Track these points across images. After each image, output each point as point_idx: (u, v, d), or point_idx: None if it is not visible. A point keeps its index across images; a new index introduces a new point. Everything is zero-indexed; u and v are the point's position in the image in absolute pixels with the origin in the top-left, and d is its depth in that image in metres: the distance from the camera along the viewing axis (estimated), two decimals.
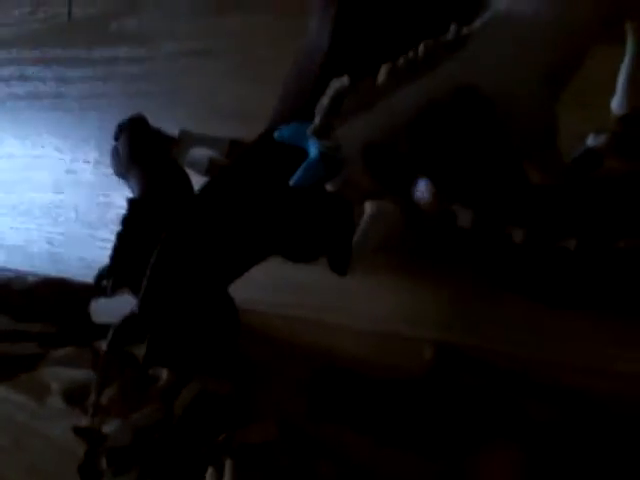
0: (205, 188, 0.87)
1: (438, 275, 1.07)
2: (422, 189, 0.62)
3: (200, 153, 1.30)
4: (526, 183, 0.69)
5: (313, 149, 0.66)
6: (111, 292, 1.00)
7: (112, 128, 1.23)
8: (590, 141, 0.92)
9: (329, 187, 0.68)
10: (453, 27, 0.68)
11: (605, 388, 0.90)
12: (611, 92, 0.92)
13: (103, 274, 1.01)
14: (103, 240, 1.13)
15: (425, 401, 0.88)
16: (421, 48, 0.66)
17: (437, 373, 0.97)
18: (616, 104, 0.92)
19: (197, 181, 1.30)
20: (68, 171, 1.58)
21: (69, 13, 1.61)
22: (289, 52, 0.93)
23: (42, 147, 1.64)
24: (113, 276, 1.00)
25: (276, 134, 0.69)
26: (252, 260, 0.89)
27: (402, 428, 0.89)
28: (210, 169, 1.33)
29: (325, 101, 0.65)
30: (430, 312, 1.04)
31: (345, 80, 0.65)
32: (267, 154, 0.81)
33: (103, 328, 1.26)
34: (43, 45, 1.66)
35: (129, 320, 0.95)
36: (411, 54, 0.66)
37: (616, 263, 0.76)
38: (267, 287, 1.18)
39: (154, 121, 1.38)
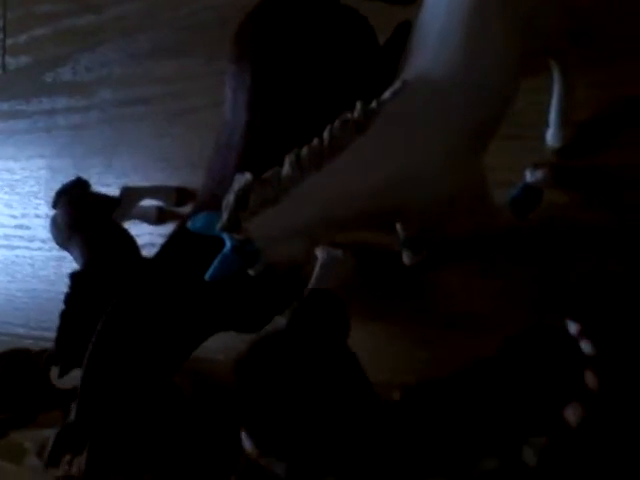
0: (142, 272, 0.85)
1: (397, 316, 1.06)
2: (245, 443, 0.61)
3: (148, 204, 1.28)
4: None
5: (227, 241, 0.64)
6: (61, 375, 0.98)
7: (60, 179, 1.20)
8: (528, 177, 0.91)
9: (251, 273, 0.66)
10: (359, 104, 0.66)
11: None
12: (540, 123, 0.91)
13: (51, 359, 0.99)
14: (61, 293, 1.10)
15: (392, 443, 0.86)
16: (325, 133, 0.65)
17: (405, 415, 0.95)
18: (551, 137, 0.91)
19: (150, 231, 1.30)
20: (20, 227, 1.55)
21: (3, 65, 1.57)
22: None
23: None
24: (61, 360, 0.97)
25: (189, 224, 0.68)
26: (197, 341, 0.87)
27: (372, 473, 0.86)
28: (159, 218, 1.31)
29: (231, 197, 0.63)
30: (397, 355, 1.03)
31: (248, 176, 0.64)
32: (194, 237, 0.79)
33: (69, 392, 1.24)
34: None
35: (67, 429, 0.92)
36: (315, 141, 0.65)
37: None
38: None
39: (99, 171, 1.36)
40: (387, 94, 0.68)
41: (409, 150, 0.67)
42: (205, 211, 0.68)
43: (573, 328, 0.62)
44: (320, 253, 1.06)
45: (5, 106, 1.58)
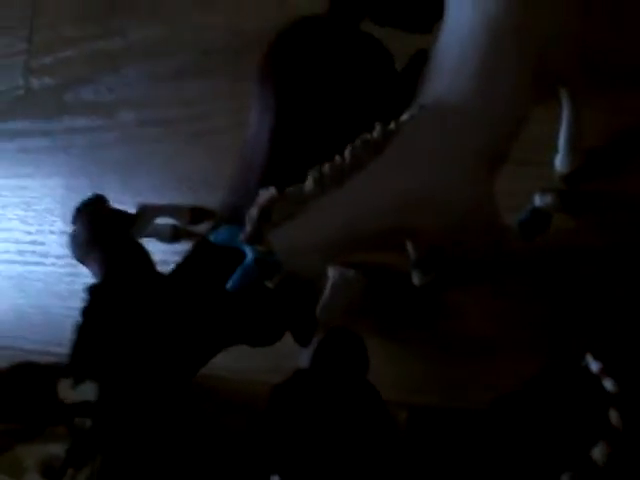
0: (162, 284, 0.87)
1: (405, 338, 1.07)
2: None
3: (163, 222, 1.31)
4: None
5: (248, 252, 0.67)
6: (75, 386, 0.99)
7: (76, 197, 1.22)
8: (537, 201, 0.93)
9: (269, 285, 0.69)
10: (378, 126, 0.69)
11: None
12: (550, 149, 0.94)
13: (61, 371, 1.00)
14: (73, 309, 1.12)
15: (399, 464, 0.87)
16: (347, 152, 0.68)
17: (411, 435, 0.96)
18: (560, 163, 0.94)
19: (163, 249, 1.32)
20: (34, 242, 1.57)
21: (27, 85, 1.61)
22: (247, 120, 0.94)
23: (8, 220, 1.64)
24: (75, 371, 0.98)
25: (212, 237, 0.71)
26: (210, 354, 0.89)
27: None
28: (174, 237, 1.34)
29: (255, 210, 0.66)
30: (402, 375, 1.04)
31: (272, 191, 0.67)
32: (214, 251, 0.82)
33: (77, 405, 1.25)
34: (2, 119, 1.66)
35: (82, 438, 0.94)
36: (337, 159, 0.68)
37: None
38: (242, 352, 1.18)
39: (116, 190, 1.39)
40: (405, 117, 0.71)
41: (425, 171, 0.70)
42: (227, 225, 0.71)
43: (595, 366, 0.63)
44: (332, 272, 1.08)
45: (26, 124, 1.61)
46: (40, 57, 1.58)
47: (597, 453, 0.55)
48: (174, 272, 0.87)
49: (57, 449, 1.34)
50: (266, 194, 0.67)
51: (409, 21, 0.89)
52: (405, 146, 0.69)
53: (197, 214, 1.29)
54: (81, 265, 1.43)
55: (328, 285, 1.07)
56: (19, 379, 1.16)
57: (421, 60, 0.82)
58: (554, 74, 0.80)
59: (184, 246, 1.34)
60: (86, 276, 1.24)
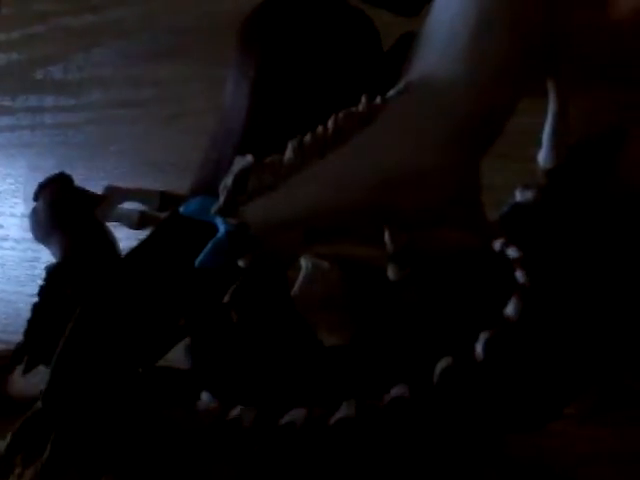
0: (123, 260, 0.82)
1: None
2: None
3: (130, 207, 1.26)
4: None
5: (220, 226, 0.62)
6: (26, 370, 0.94)
7: (39, 178, 1.17)
8: (518, 196, 0.91)
9: (241, 264, 0.64)
10: (364, 98, 0.65)
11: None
12: (534, 143, 0.92)
13: (19, 350, 0.95)
14: (31, 296, 1.07)
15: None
16: (330, 123, 0.64)
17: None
18: (543, 158, 0.91)
19: (128, 235, 1.27)
20: None
21: None
22: (221, 103, 0.90)
23: None
24: (28, 353, 0.93)
25: (181, 209, 0.66)
26: (174, 339, 0.84)
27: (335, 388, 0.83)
28: (141, 223, 1.29)
29: (229, 180, 0.62)
30: None
31: (249, 158, 0.62)
32: (182, 227, 0.77)
33: (21, 401, 1.20)
34: None
35: (32, 417, 0.88)
36: (319, 129, 0.64)
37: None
38: None
39: (83, 173, 1.34)
40: (391, 92, 0.68)
41: (409, 147, 0.67)
42: (199, 196, 0.67)
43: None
44: (305, 262, 1.05)
45: None
46: (8, 32, 1.52)
47: (510, 309, 0.55)
48: (137, 248, 0.82)
49: (3, 446, 1.29)
50: (242, 162, 0.62)
51: (397, 2, 0.86)
52: (389, 121, 0.66)
53: (167, 199, 1.24)
54: (42, 250, 1.38)
55: (301, 275, 1.03)
56: None
57: (407, 42, 0.79)
58: (542, 62, 0.78)
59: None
60: (46, 262, 1.19)
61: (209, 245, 0.62)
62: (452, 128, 0.68)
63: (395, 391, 0.51)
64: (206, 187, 0.77)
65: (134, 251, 0.82)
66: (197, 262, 0.62)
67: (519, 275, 0.55)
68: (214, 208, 0.62)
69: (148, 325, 0.78)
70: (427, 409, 0.51)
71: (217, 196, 0.64)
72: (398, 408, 0.51)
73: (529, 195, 0.97)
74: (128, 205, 1.25)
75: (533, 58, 0.75)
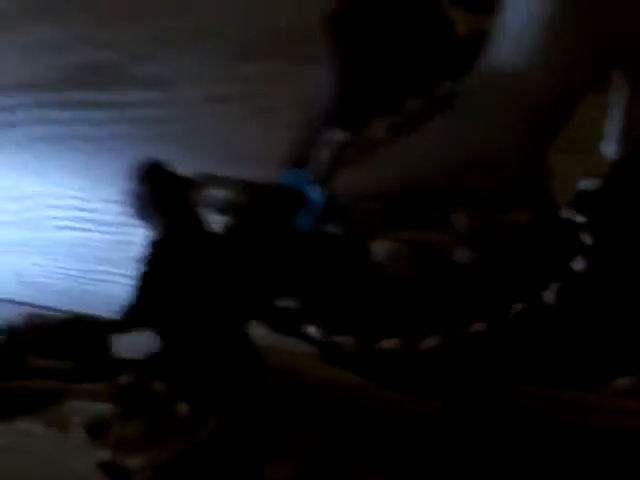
0: (226, 228, 0.92)
1: None
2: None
3: (217, 194, 1.35)
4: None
5: (315, 195, 0.71)
6: (132, 329, 1.04)
7: (129, 169, 1.28)
8: (582, 185, 0.96)
9: (331, 231, 0.72)
10: (448, 83, 0.72)
11: (627, 427, 0.92)
12: (598, 138, 0.96)
13: (127, 313, 1.05)
14: (125, 277, 1.17)
15: (441, 440, 0.90)
16: (417, 103, 0.71)
17: (453, 411, 0.98)
18: (607, 150, 0.95)
19: (217, 221, 1.36)
20: (87, 210, 1.63)
21: (89, 57, 1.67)
22: (304, 98, 0.98)
23: (62, 187, 1.69)
24: (134, 314, 1.03)
25: (280, 179, 0.74)
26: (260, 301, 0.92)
27: (418, 467, 0.90)
28: (227, 209, 1.38)
29: (327, 152, 0.70)
30: None
31: (345, 134, 0.70)
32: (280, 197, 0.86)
33: (124, 363, 1.30)
34: (65, 89, 1.71)
35: (151, 359, 0.98)
36: (407, 110, 0.71)
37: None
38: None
39: (171, 165, 1.43)
40: (469, 78, 0.75)
41: (484, 132, 0.73)
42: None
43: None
44: (376, 246, 1.11)
45: (88, 96, 1.67)
46: (104, 30, 1.62)
47: (577, 265, 0.62)
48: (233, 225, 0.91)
49: (102, 408, 1.39)
50: (338, 137, 0.70)
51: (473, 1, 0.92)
52: (469, 105, 0.72)
53: (252, 188, 1.33)
54: (134, 234, 1.49)
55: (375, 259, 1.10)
56: (72, 331, 1.21)
57: (481, 37, 0.85)
58: (612, 53, 0.83)
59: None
60: (137, 245, 1.29)
61: (305, 212, 0.71)
62: (525, 113, 0.74)
63: (475, 327, 0.58)
64: (297, 162, 0.85)
65: (239, 217, 0.91)
66: (296, 226, 0.71)
67: (585, 237, 0.61)
68: (311, 178, 0.70)
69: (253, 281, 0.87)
70: (502, 344, 0.59)
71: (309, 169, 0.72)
72: (477, 341, 0.58)
73: (594, 184, 1.01)
74: (216, 192, 1.34)
75: (603, 49, 0.80)
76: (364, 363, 0.62)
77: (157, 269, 1.01)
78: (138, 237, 1.45)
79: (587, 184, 0.98)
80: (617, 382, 0.89)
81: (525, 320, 0.58)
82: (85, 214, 1.64)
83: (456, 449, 0.92)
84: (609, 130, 0.96)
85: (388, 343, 0.60)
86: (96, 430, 1.37)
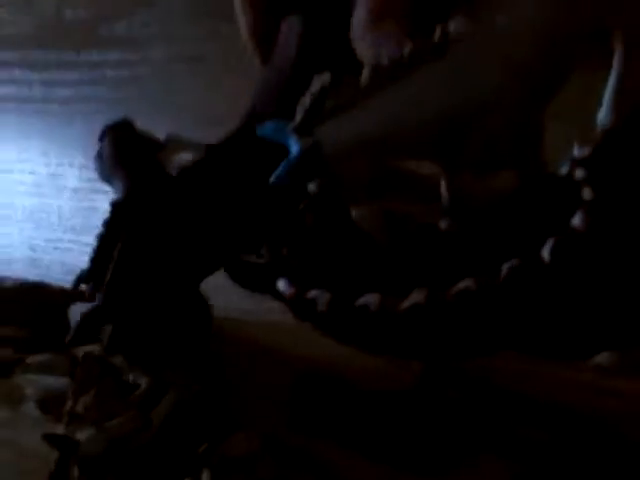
0: (175, 179, 0.86)
1: None
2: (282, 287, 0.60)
3: (188, 158, 1.29)
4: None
5: (294, 147, 0.64)
6: (90, 296, 0.97)
7: (99, 131, 1.21)
8: (575, 152, 0.91)
9: (311, 188, 0.66)
10: (439, 29, 0.67)
11: (604, 406, 0.88)
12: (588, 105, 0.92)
13: (82, 277, 0.99)
14: (87, 245, 1.11)
15: (412, 415, 0.86)
16: (406, 50, 0.65)
17: (424, 386, 0.95)
18: (602, 117, 0.91)
19: None
20: (53, 175, 1.56)
21: (59, 16, 1.60)
22: None
23: (27, 151, 1.62)
24: (92, 280, 0.97)
25: (258, 131, 0.68)
26: (223, 257, 0.86)
27: (387, 442, 0.86)
28: None
29: (307, 99, 0.64)
30: None
31: (327, 78, 0.64)
32: (241, 149, 0.80)
33: (82, 332, 1.24)
34: (30, 48, 1.64)
35: (93, 312, 0.93)
36: (396, 55, 0.65)
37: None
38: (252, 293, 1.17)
39: (143, 126, 1.37)
40: (462, 27, 0.69)
41: (479, 77, 0.68)
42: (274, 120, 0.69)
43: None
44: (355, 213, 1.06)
45: (54, 56, 1.60)
46: None
47: (576, 221, 0.55)
48: (200, 162, 0.85)
49: (57, 383, 1.33)
50: (321, 81, 0.64)
51: None
52: (461, 54, 0.67)
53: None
54: (98, 199, 1.42)
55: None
56: (29, 294, 1.15)
57: None
58: (610, 12, 0.78)
59: None
60: (103, 211, 1.22)
61: (283, 165, 0.65)
62: (528, 66, 0.69)
63: (463, 284, 0.53)
64: (258, 115, 0.79)
65: (192, 168, 0.85)
66: (272, 180, 0.64)
67: (586, 192, 0.56)
68: (290, 126, 0.64)
69: (204, 236, 0.81)
70: (491, 303, 0.53)
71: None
72: (464, 299, 0.53)
73: (586, 152, 0.97)
74: (186, 157, 1.28)
75: (601, 7, 0.75)
76: (339, 321, 0.56)
77: (116, 232, 0.95)
78: (102, 204, 1.39)
79: (581, 152, 0.94)
80: (598, 358, 0.85)
81: (518, 278, 0.53)
82: (48, 179, 1.57)
83: (426, 425, 0.88)
84: (606, 96, 0.91)
85: (367, 299, 0.55)
86: (50, 405, 1.31)
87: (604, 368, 0.87)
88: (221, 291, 0.94)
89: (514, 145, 0.75)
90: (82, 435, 0.96)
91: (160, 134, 1.34)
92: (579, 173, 0.57)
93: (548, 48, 0.72)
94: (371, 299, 0.54)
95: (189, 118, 1.35)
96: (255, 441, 1.01)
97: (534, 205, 0.59)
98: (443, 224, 1.03)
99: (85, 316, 0.91)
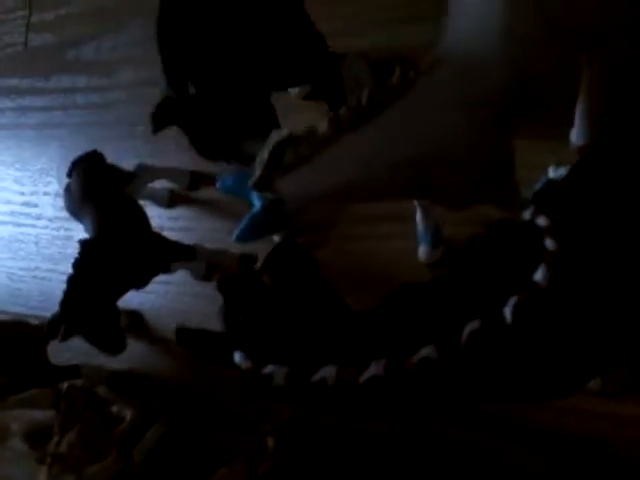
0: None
1: None
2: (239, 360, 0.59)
3: (160, 185, 1.28)
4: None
5: (257, 202, 0.64)
6: (63, 339, 0.96)
7: (72, 158, 1.19)
8: (551, 173, 0.91)
9: (276, 239, 0.66)
10: (398, 71, 0.65)
11: (586, 430, 0.88)
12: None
13: (55, 320, 0.97)
14: (64, 274, 1.09)
15: (392, 451, 0.85)
16: (364, 96, 0.64)
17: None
18: (575, 135, 0.90)
19: (159, 214, 1.29)
20: (28, 204, 1.54)
21: (25, 42, 1.57)
22: None
23: (1, 179, 1.60)
24: (64, 323, 0.96)
25: (219, 184, 0.68)
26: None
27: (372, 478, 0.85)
28: (171, 201, 1.30)
29: (265, 153, 0.63)
30: None
31: (285, 132, 0.63)
32: None
33: (64, 368, 1.23)
34: (0, 75, 1.62)
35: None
36: (353, 103, 0.64)
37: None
38: None
39: (114, 152, 1.35)
40: (424, 66, 0.68)
41: (442, 120, 0.67)
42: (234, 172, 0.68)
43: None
44: None
45: (25, 83, 1.57)
46: (41, 13, 1.54)
47: (539, 275, 0.55)
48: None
49: (42, 416, 1.32)
50: (278, 135, 0.63)
51: None
52: (422, 95, 0.66)
53: (197, 179, 1.26)
54: (74, 229, 1.40)
55: None
56: (9, 335, 1.13)
57: None
58: (575, 34, 0.77)
59: (180, 212, 1.31)
60: (78, 240, 1.21)
61: (246, 220, 0.64)
62: (486, 101, 0.68)
63: (423, 351, 0.52)
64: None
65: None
66: (234, 237, 0.64)
67: (548, 243, 0.55)
68: (250, 182, 0.63)
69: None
70: (453, 370, 0.52)
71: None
72: (425, 368, 0.52)
73: (562, 172, 0.96)
74: (158, 184, 1.27)
75: (567, 32, 0.74)
76: (297, 395, 0.55)
77: (87, 272, 0.94)
78: (79, 232, 1.37)
79: (555, 173, 0.93)
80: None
81: (480, 342, 0.52)
82: (23, 208, 1.54)
83: (407, 461, 0.86)
84: (577, 114, 0.90)
85: (324, 372, 0.53)
86: (36, 438, 1.30)
87: (592, 392, 0.86)
88: None
89: (483, 176, 0.74)
90: None
91: (134, 159, 1.33)
92: (541, 221, 0.56)
93: (516, 73, 0.71)
94: (328, 372, 0.53)
95: (161, 141, 1.33)
96: (241, 473, 1.01)
97: (497, 254, 0.58)
98: (422, 254, 1.01)
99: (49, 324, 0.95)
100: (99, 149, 1.19)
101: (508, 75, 0.68)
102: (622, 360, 0.66)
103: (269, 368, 0.55)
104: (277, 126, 0.88)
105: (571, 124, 0.91)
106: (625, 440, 0.86)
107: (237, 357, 0.57)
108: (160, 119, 0.90)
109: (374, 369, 0.52)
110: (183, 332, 0.59)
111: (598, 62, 0.84)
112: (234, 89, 0.85)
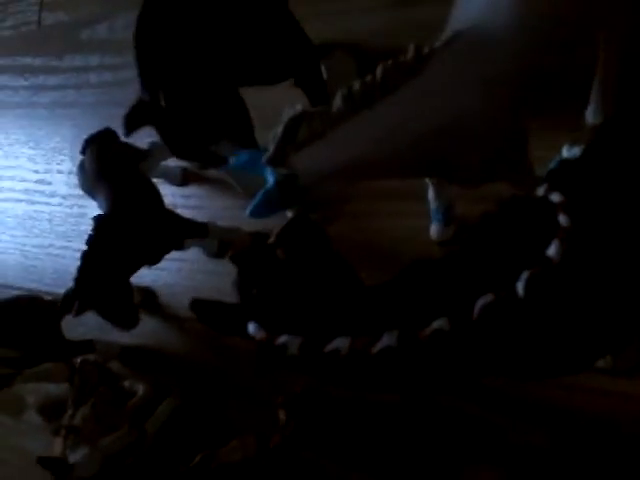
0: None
1: None
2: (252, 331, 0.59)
3: (174, 163, 1.28)
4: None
5: (270, 178, 0.64)
6: (77, 314, 0.97)
7: (85, 136, 1.20)
8: (565, 152, 0.90)
9: (289, 214, 0.66)
10: (412, 47, 0.65)
11: (595, 407, 0.88)
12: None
13: (69, 295, 0.98)
14: (78, 251, 1.10)
15: (402, 424, 0.86)
16: (378, 72, 0.64)
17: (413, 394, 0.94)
18: (590, 114, 0.90)
19: (172, 192, 1.30)
20: (41, 182, 1.55)
21: (39, 20, 1.58)
22: None
23: (15, 158, 1.61)
24: (78, 298, 0.97)
25: (232, 161, 0.68)
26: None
27: (380, 453, 0.86)
28: (183, 179, 1.31)
29: (279, 129, 0.63)
30: None
31: (299, 107, 0.64)
32: None
33: (78, 343, 1.25)
34: (13, 54, 1.62)
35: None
36: (368, 79, 0.64)
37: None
38: None
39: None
40: (439, 43, 0.68)
41: (457, 95, 0.67)
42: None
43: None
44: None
45: (38, 61, 1.57)
46: None
47: (552, 251, 0.55)
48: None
49: (57, 390, 1.34)
50: (292, 111, 0.64)
51: None
52: (437, 71, 0.66)
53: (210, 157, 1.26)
54: (88, 206, 1.41)
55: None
56: (24, 310, 1.15)
57: None
58: (594, 15, 0.77)
59: (193, 190, 1.32)
60: (91, 218, 1.21)
61: (260, 196, 0.65)
62: (501, 76, 0.67)
63: (436, 323, 0.52)
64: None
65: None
66: (248, 212, 0.65)
67: (562, 219, 0.56)
68: (264, 158, 0.64)
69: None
70: (465, 343, 0.53)
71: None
72: (438, 340, 0.52)
73: (575, 151, 0.96)
74: (172, 162, 1.27)
75: (585, 9, 0.73)
76: (311, 365, 0.56)
77: (101, 248, 0.95)
78: (92, 209, 1.38)
79: (569, 152, 0.92)
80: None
81: (492, 315, 0.52)
82: (37, 186, 1.56)
83: (415, 435, 0.87)
84: (593, 93, 0.90)
85: (337, 343, 0.54)
86: (50, 411, 1.32)
87: (602, 370, 0.87)
88: None
89: (498, 154, 0.74)
90: (77, 456, 0.97)
91: (148, 137, 1.33)
92: (555, 197, 0.57)
93: (529, 54, 0.70)
94: (341, 343, 0.54)
95: None
96: (252, 445, 1.02)
97: (510, 231, 0.59)
98: (434, 232, 1.01)
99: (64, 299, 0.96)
100: (112, 127, 1.20)
101: (523, 52, 0.68)
102: (634, 338, 0.67)
103: (283, 338, 0.55)
104: (250, 128, 0.90)
105: (586, 104, 0.91)
106: (634, 418, 0.86)
107: (251, 328, 0.57)
108: (133, 121, 0.92)
109: (387, 340, 0.53)
110: (198, 303, 0.60)
111: (614, 41, 0.84)
112: (207, 90, 0.86)
